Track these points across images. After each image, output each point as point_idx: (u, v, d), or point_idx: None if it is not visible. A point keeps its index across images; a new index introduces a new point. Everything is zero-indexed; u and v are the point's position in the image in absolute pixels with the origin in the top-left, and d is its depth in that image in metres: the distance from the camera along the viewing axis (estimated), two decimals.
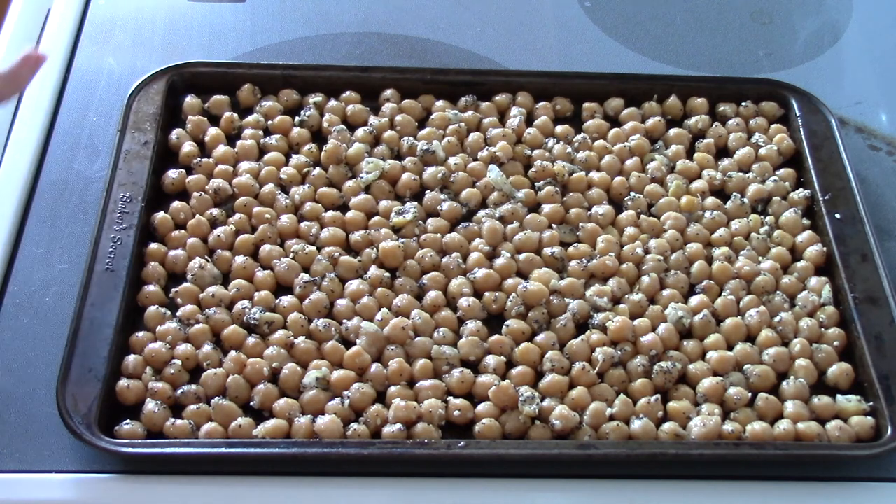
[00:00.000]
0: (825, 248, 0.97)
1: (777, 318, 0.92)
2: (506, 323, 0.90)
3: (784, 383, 0.88)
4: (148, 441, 0.82)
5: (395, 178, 1.01)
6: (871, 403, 0.87)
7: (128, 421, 0.83)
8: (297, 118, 1.05)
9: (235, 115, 1.05)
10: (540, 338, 0.90)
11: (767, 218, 1.00)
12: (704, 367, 0.89)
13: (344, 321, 0.90)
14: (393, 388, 0.86)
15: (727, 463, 0.84)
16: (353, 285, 0.92)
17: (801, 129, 1.06)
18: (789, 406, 0.86)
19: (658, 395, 0.86)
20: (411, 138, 1.04)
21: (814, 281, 0.95)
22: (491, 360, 0.88)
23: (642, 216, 0.99)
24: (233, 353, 0.87)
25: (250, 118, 1.05)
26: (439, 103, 1.07)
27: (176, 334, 0.88)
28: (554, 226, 0.98)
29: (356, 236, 0.96)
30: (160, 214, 0.96)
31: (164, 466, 0.81)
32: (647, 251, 0.96)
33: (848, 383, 0.89)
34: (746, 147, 1.05)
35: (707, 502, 0.83)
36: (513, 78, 1.09)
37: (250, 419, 0.84)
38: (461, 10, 1.21)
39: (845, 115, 1.11)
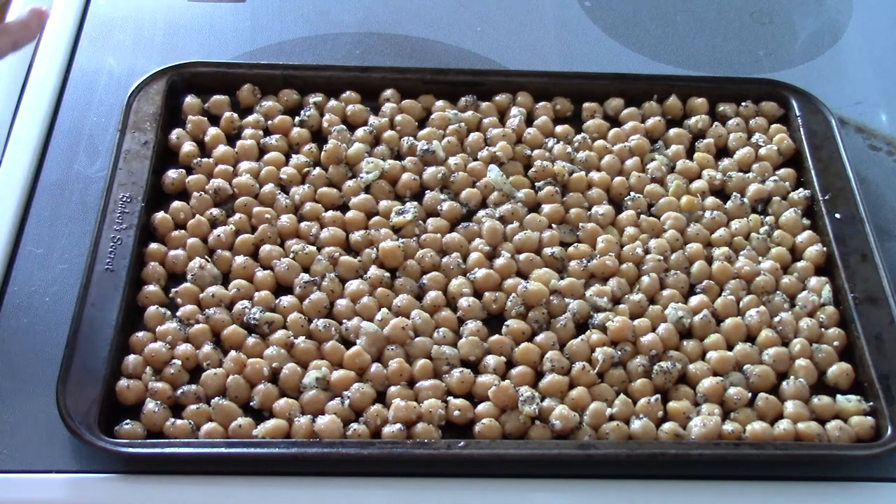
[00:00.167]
0: (825, 248, 0.97)
1: (777, 318, 0.92)
2: (506, 323, 0.90)
3: (784, 383, 0.88)
4: (148, 441, 0.82)
5: (395, 178, 1.01)
6: (871, 403, 0.87)
7: (128, 421, 0.83)
8: (297, 118, 1.05)
9: (235, 115, 1.05)
10: (540, 338, 0.90)
11: (767, 218, 1.00)
12: (704, 367, 0.89)
13: (344, 321, 0.90)
14: (393, 388, 0.86)
15: (727, 463, 0.84)
16: (353, 285, 0.92)
17: (801, 129, 1.06)
18: (789, 406, 0.86)
19: (658, 395, 0.86)
20: (411, 138, 1.04)
21: (814, 281, 0.95)
22: (491, 360, 0.88)
23: (642, 216, 0.99)
24: (233, 353, 0.87)
25: (250, 118, 1.05)
26: (439, 103, 1.07)
27: (176, 334, 0.88)
28: (554, 226, 0.98)
29: (356, 236, 0.96)
30: (160, 214, 0.96)
31: (164, 466, 0.81)
32: (647, 251, 0.96)
33: (848, 383, 0.89)
34: (746, 147, 1.05)
35: (707, 502, 0.83)
36: (513, 78, 1.09)
37: (250, 419, 0.84)
38: (461, 10, 1.21)
39: (845, 115, 1.11)
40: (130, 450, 0.80)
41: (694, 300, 0.93)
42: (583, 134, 1.06)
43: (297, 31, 1.17)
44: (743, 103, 1.09)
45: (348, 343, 0.89)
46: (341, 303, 0.91)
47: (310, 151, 1.02)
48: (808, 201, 1.01)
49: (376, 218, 0.98)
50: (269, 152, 1.02)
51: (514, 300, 0.91)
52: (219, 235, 0.95)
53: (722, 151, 1.07)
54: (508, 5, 1.22)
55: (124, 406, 0.84)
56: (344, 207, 0.99)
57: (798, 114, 1.07)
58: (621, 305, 0.92)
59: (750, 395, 0.87)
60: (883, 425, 0.85)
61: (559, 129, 1.06)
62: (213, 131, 1.03)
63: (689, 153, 1.06)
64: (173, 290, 0.91)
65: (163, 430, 0.83)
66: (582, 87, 1.09)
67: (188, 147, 1.01)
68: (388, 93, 1.07)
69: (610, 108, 1.08)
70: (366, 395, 0.85)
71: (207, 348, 0.87)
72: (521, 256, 0.95)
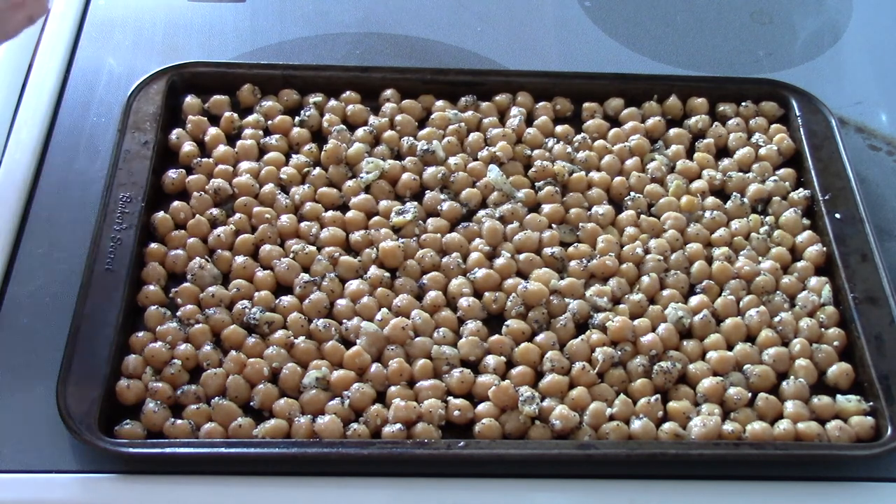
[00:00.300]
0: (825, 248, 0.97)
1: (777, 318, 0.92)
2: (506, 323, 0.90)
3: (784, 383, 0.88)
4: (148, 441, 0.82)
5: (395, 178, 1.01)
6: (871, 403, 0.87)
7: (128, 421, 0.83)
8: (297, 118, 1.05)
9: (235, 115, 1.05)
10: (540, 338, 0.90)
11: (767, 218, 1.00)
12: (704, 367, 0.89)
13: (344, 321, 0.90)
14: (393, 388, 0.86)
15: (727, 463, 0.84)
16: (353, 285, 0.92)
17: (801, 129, 1.06)
18: (789, 406, 0.86)
19: (658, 395, 0.86)
20: (411, 138, 1.04)
21: (814, 281, 0.95)
22: (491, 360, 0.88)
23: (642, 216, 0.99)
24: (233, 353, 0.87)
25: (250, 118, 1.05)
26: (439, 103, 1.07)
27: (176, 334, 0.88)
28: (554, 226, 0.98)
29: (356, 236, 0.96)
30: (160, 214, 0.96)
31: (164, 466, 0.81)
32: (647, 251, 0.96)
33: (848, 383, 0.89)
34: (746, 147, 1.05)
35: (707, 502, 0.83)
36: (513, 78, 1.09)
37: (250, 419, 0.84)
38: (461, 10, 1.21)
39: (845, 115, 1.11)
40: (130, 450, 0.80)
41: (694, 300, 0.93)
42: (583, 134, 1.06)
43: (297, 31, 1.17)
44: (743, 103, 1.09)
45: (348, 343, 0.89)
46: (341, 303, 0.91)
47: (310, 151, 1.02)
48: (808, 201, 1.01)
49: (376, 218, 0.98)
50: (269, 152, 1.02)
51: (514, 300, 0.91)
52: (219, 235, 0.95)
53: (722, 151, 1.07)
54: (508, 5, 1.22)
55: (124, 406, 0.84)
56: (344, 207, 0.99)
57: (798, 114, 1.07)
58: (621, 305, 0.92)
59: (750, 395, 0.87)
60: (883, 425, 0.85)
61: (559, 129, 1.06)
62: (213, 131, 1.03)
63: (689, 153, 1.06)
64: (173, 290, 0.91)
65: (163, 430, 0.83)
66: (582, 87, 1.09)
67: (188, 147, 1.01)
68: (388, 93, 1.07)
69: (610, 108, 1.08)
70: (366, 395, 0.85)
71: (207, 348, 0.87)
72: (521, 256, 0.95)
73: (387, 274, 0.93)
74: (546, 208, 0.99)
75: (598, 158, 1.04)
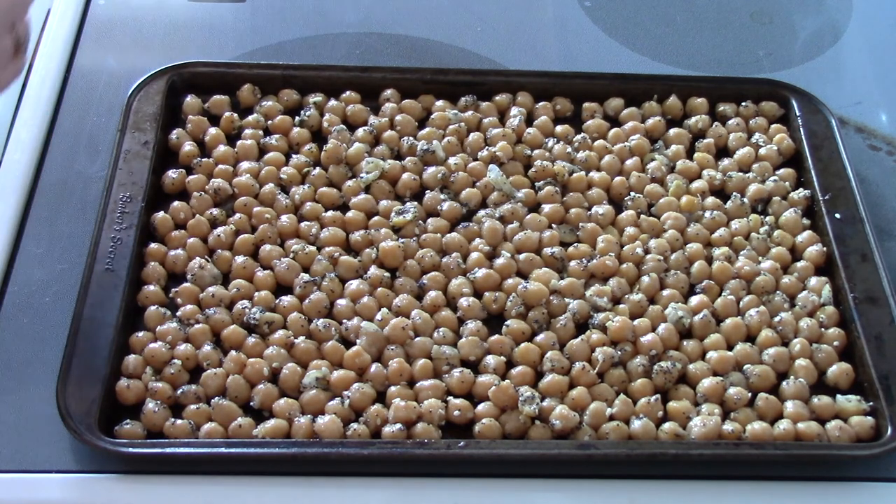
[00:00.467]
0: (825, 248, 0.97)
1: (777, 318, 0.92)
2: (506, 323, 0.90)
3: (784, 383, 0.88)
4: (148, 441, 0.82)
5: (395, 178, 1.01)
6: (871, 403, 0.87)
7: (128, 421, 0.83)
8: (297, 118, 1.05)
9: (235, 115, 1.05)
10: (540, 338, 0.90)
11: (767, 218, 1.00)
12: (704, 367, 0.89)
13: (344, 321, 0.90)
14: (393, 388, 0.86)
15: (727, 463, 0.84)
16: (353, 285, 0.92)
17: (801, 129, 1.06)
18: (789, 406, 0.86)
19: (658, 395, 0.86)
20: (411, 138, 1.04)
21: (814, 281, 0.95)
22: (491, 360, 0.88)
23: (642, 216, 0.99)
24: (233, 353, 0.87)
25: (250, 118, 1.05)
26: (439, 103, 1.07)
27: (176, 334, 0.88)
28: (554, 226, 0.98)
29: (356, 236, 0.96)
30: (160, 214, 0.96)
31: (164, 466, 0.81)
32: (647, 251, 0.96)
33: (848, 383, 0.89)
34: (746, 147, 1.05)
35: (707, 502, 0.83)
36: (513, 78, 1.09)
37: (250, 419, 0.84)
38: (461, 10, 1.21)
39: (845, 115, 1.11)
40: (130, 450, 0.80)
41: (694, 300, 0.93)
42: (583, 134, 1.06)
43: (297, 31, 1.17)
44: (743, 103, 1.09)
45: (348, 343, 0.89)
46: (341, 303, 0.91)
47: (310, 151, 1.02)
48: (808, 201, 1.01)
49: (376, 218, 0.98)
50: (269, 152, 1.02)
51: (514, 300, 0.91)
52: (219, 235, 0.95)
53: (722, 151, 1.07)
54: (508, 5, 1.22)
55: (124, 406, 0.84)
56: (344, 207, 0.99)
57: (798, 114, 1.07)
58: (621, 305, 0.92)
59: (750, 395, 0.87)
60: (883, 425, 0.85)
61: (559, 129, 1.06)
62: (213, 131, 1.03)
63: (689, 153, 1.06)
64: (173, 290, 0.91)
65: (163, 430, 0.83)
66: (582, 87, 1.09)
67: (188, 147, 1.01)
68: (388, 93, 1.07)
69: (610, 108, 1.08)
70: (366, 395, 0.85)
71: (207, 348, 0.87)
72: (521, 256, 0.95)
73: (387, 274, 0.93)
74: (546, 208, 0.99)
75: (598, 158, 1.04)
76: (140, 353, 0.87)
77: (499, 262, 0.94)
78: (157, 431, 0.83)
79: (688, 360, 0.89)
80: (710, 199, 1.01)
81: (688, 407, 0.86)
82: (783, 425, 0.85)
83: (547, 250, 0.96)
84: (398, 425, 0.83)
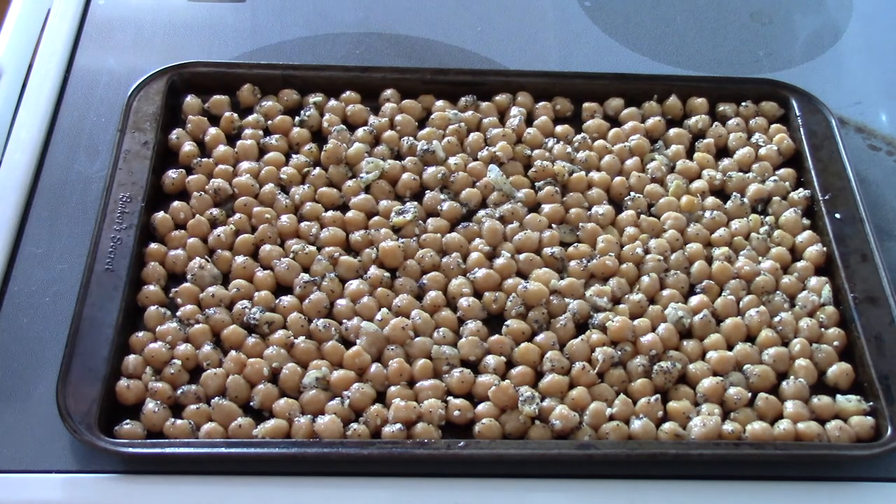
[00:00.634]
0: (825, 248, 0.97)
1: (777, 318, 0.92)
2: (506, 323, 0.90)
3: (784, 383, 0.88)
4: (148, 441, 0.82)
5: (395, 178, 1.01)
6: (871, 403, 0.87)
7: (128, 421, 0.83)
8: (297, 118, 1.05)
9: (235, 115, 1.05)
10: (540, 338, 0.90)
11: (767, 218, 1.00)
12: (704, 367, 0.89)
13: (344, 321, 0.90)
14: (393, 388, 0.86)
15: (727, 463, 0.84)
16: (353, 285, 0.92)
17: (801, 129, 1.06)
18: (789, 406, 0.86)
19: (658, 395, 0.86)
20: (411, 138, 1.04)
21: (814, 281, 0.95)
22: (491, 360, 0.88)
23: (642, 216, 0.99)
24: (233, 353, 0.87)
25: (250, 118, 1.05)
26: (439, 103, 1.07)
27: (176, 334, 0.88)
28: (554, 226, 0.98)
29: (356, 236, 0.96)
30: (160, 214, 0.96)
31: (164, 466, 0.81)
32: (647, 251, 0.96)
33: (848, 383, 0.89)
34: (746, 147, 1.05)
35: (707, 502, 0.83)
36: (513, 78, 1.09)
37: (250, 419, 0.84)
38: (461, 10, 1.21)
39: (845, 115, 1.11)
40: (130, 450, 0.80)
41: (694, 300, 0.93)
42: (583, 134, 1.06)
43: (297, 31, 1.17)
44: (743, 103, 1.09)
45: (348, 343, 0.89)
46: (341, 303, 0.91)
47: (310, 151, 1.02)
48: (808, 201, 1.01)
49: (376, 218, 0.98)
50: (269, 152, 1.02)
51: (514, 300, 0.91)
52: (219, 235, 0.95)
53: (722, 151, 1.07)
54: (508, 5, 1.22)
55: (124, 406, 0.84)
56: (344, 207, 0.99)
57: (798, 114, 1.07)
58: (621, 305, 0.92)
59: (750, 395, 0.87)
60: (883, 425, 0.85)
61: (559, 129, 1.06)
62: (213, 131, 1.03)
63: (689, 153, 1.06)
64: (173, 290, 0.91)
65: (163, 430, 0.83)
66: (582, 87, 1.09)
67: (188, 147, 1.01)
68: (388, 93, 1.07)
69: (610, 108, 1.08)
70: (366, 395, 0.85)
71: (207, 348, 0.87)
72: (521, 256, 0.95)
73: (387, 274, 0.93)
74: (546, 208, 0.99)
75: (598, 158, 1.04)
76: (140, 353, 0.87)
77: (499, 262, 0.94)
78: (157, 431, 0.83)
79: (688, 360, 0.89)
80: (710, 199, 1.01)
81: (688, 407, 0.86)
82: (783, 425, 0.85)
83: (547, 250, 0.96)
84: (398, 425, 0.83)
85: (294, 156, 1.02)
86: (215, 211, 0.97)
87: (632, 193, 1.01)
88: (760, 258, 0.97)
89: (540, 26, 1.20)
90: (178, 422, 0.83)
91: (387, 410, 0.84)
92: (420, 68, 1.09)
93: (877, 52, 1.20)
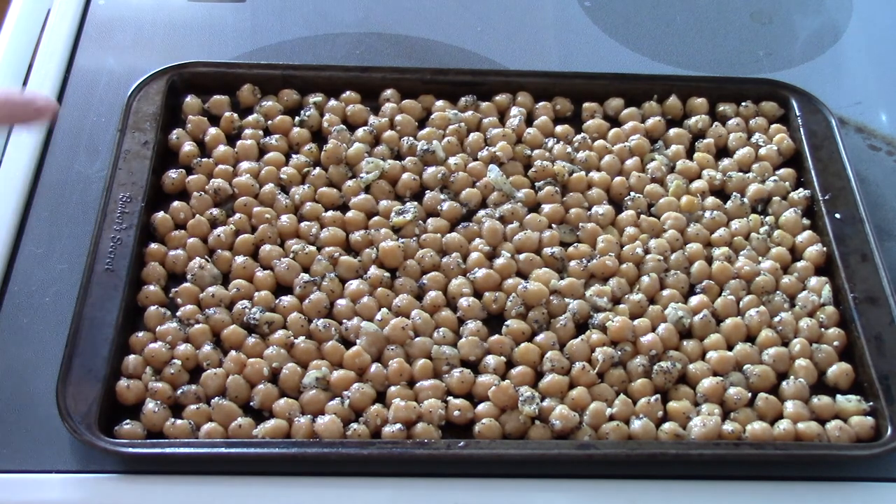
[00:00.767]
0: (825, 248, 0.97)
1: (777, 318, 0.92)
2: (506, 323, 0.90)
3: (784, 383, 0.88)
4: (148, 441, 0.82)
5: (395, 178, 1.01)
6: (871, 403, 0.87)
7: (128, 421, 0.83)
8: (297, 118, 1.05)
9: (235, 115, 1.05)
10: (540, 338, 0.90)
11: (767, 218, 1.00)
12: (704, 367, 0.89)
13: (344, 321, 0.90)
14: (393, 388, 0.86)
15: (727, 463, 0.84)
16: (353, 285, 0.92)
17: (801, 129, 1.06)
18: (789, 406, 0.86)
19: (658, 395, 0.86)
20: (411, 138, 1.04)
21: (814, 281, 0.95)
22: (491, 360, 0.88)
23: (642, 216, 0.99)
24: (233, 353, 0.87)
25: (250, 118, 1.05)
26: (439, 103, 1.07)
27: (176, 334, 0.88)
28: (554, 226, 0.98)
29: (356, 236, 0.96)
30: (160, 214, 0.96)
31: (164, 466, 0.81)
32: (647, 251, 0.96)
33: (848, 383, 0.89)
34: (746, 147, 1.05)
35: (707, 502, 0.83)
36: (513, 78, 1.09)
37: (250, 419, 0.84)
38: (461, 10, 1.21)
39: (845, 115, 1.11)
40: (130, 450, 0.80)
41: (694, 300, 0.93)
42: (583, 134, 1.06)
43: (297, 31, 1.17)
44: (743, 103, 1.09)
45: (348, 343, 0.89)
46: (341, 303, 0.91)
47: (310, 151, 1.02)
48: (808, 201, 1.01)
49: (376, 218, 0.98)
50: (269, 152, 1.02)
51: (514, 300, 0.91)
52: (219, 235, 0.95)
53: (722, 151, 1.07)
54: (508, 5, 1.22)
55: (124, 406, 0.84)
56: (344, 207, 0.99)
57: (798, 114, 1.07)
58: (621, 305, 0.92)
59: (750, 395, 0.87)
60: (883, 425, 0.85)
61: (559, 129, 1.06)
62: (213, 131, 1.03)
63: (689, 153, 1.06)
64: (173, 290, 0.91)
65: (163, 430, 0.83)
66: (582, 87, 1.09)
67: (188, 147, 1.01)
68: (388, 93, 1.07)
69: (610, 108, 1.08)
70: (366, 395, 0.85)
71: (207, 348, 0.87)
72: (521, 256, 0.95)
73: (387, 274, 0.93)
74: (546, 208, 0.99)
75: (598, 158, 1.04)
76: (140, 353, 0.87)
77: (499, 262, 0.94)
78: (157, 431, 0.83)
79: (688, 360, 0.89)
80: (710, 199, 1.01)
81: (688, 407, 0.86)
82: (783, 425, 0.85)
83: (547, 250, 0.96)
84: (398, 425, 0.83)
85: (294, 156, 1.02)
86: (215, 211, 0.97)
87: (632, 193, 1.01)
88: (760, 258, 0.97)
89: (540, 26, 1.20)
90: (178, 422, 0.83)
91: (387, 410, 0.84)
92: (420, 68, 1.09)
93: (877, 52, 1.20)
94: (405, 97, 1.07)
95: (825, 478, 0.84)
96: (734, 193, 1.01)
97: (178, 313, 0.89)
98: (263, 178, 1.00)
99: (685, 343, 0.90)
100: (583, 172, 1.02)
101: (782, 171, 1.04)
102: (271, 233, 0.95)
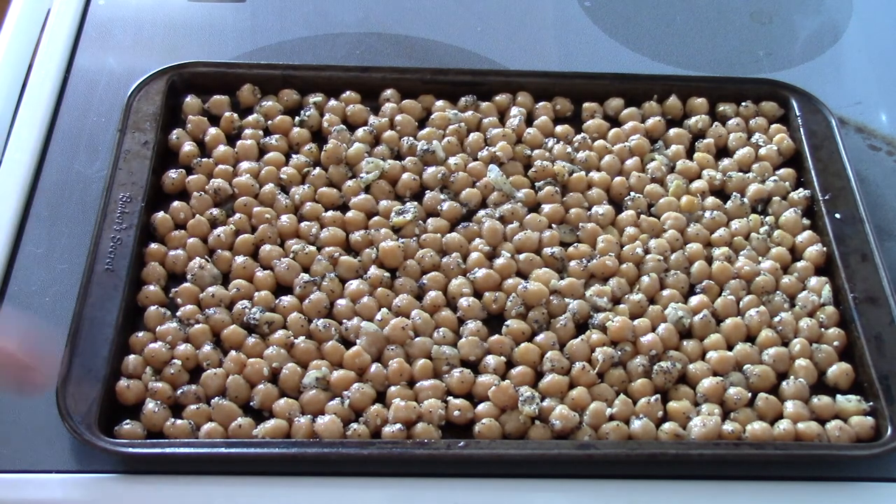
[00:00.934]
0: (825, 248, 0.97)
1: (777, 318, 0.92)
2: (506, 323, 0.90)
3: (784, 383, 0.88)
4: (148, 441, 0.82)
5: (395, 178, 1.01)
6: (871, 403, 0.87)
7: (128, 421, 0.83)
8: (297, 118, 1.05)
9: (235, 115, 1.05)
10: (540, 338, 0.90)
11: (767, 218, 1.00)
12: (704, 367, 0.89)
13: (344, 321, 0.90)
14: (393, 388, 0.86)
15: (727, 463, 0.84)
16: (353, 285, 0.92)
17: (801, 129, 1.06)
18: (789, 406, 0.86)
19: (658, 395, 0.86)
20: (411, 138, 1.04)
21: (814, 281, 0.95)
22: (491, 360, 0.88)
23: (642, 216, 0.99)
24: (233, 353, 0.87)
25: (250, 118, 1.05)
26: (439, 103, 1.07)
27: (176, 334, 0.88)
28: (554, 226, 0.98)
29: (356, 236, 0.96)
30: (160, 214, 0.96)
31: (164, 466, 0.81)
32: (647, 251, 0.96)
33: (848, 383, 0.89)
34: (746, 147, 1.05)
35: (707, 502, 0.83)
36: (513, 78, 1.09)
37: (250, 419, 0.84)
38: (461, 10, 1.21)
39: (845, 115, 1.11)
40: (130, 450, 0.80)
41: (694, 300, 0.93)
42: (583, 134, 1.06)
43: (297, 31, 1.17)
44: (743, 103, 1.09)
45: (348, 343, 0.89)
46: (341, 303, 0.91)
47: (310, 151, 1.02)
48: (808, 201, 1.01)
49: (376, 218, 0.98)
50: (269, 152, 1.02)
51: (514, 300, 0.91)
52: (219, 235, 0.95)
53: (722, 151, 1.07)
54: (508, 5, 1.22)
55: (124, 406, 0.84)
56: (344, 207, 0.99)
57: (798, 114, 1.07)
58: (621, 305, 0.92)
59: (750, 395, 0.87)
60: (883, 425, 0.85)
61: (559, 129, 1.06)
62: (213, 131, 1.03)
63: (689, 153, 1.06)
64: (173, 290, 0.91)
65: (163, 430, 0.83)
66: (582, 87, 1.09)
67: (188, 147, 1.01)
68: (388, 93, 1.07)
69: (610, 108, 1.08)
70: (366, 395, 0.85)
71: (207, 348, 0.87)
72: (521, 256, 0.95)
73: (387, 274, 0.93)
74: (546, 208, 0.99)
75: (598, 158, 1.04)
76: (140, 353, 0.87)
77: (499, 262, 0.94)
78: (157, 431, 0.83)
79: (688, 360, 0.89)
80: (710, 199, 1.01)
81: (688, 407, 0.86)
82: (783, 425, 0.85)
83: (547, 250, 0.96)
84: (398, 425, 0.83)
85: (294, 156, 1.02)
86: (215, 211, 0.97)
87: (632, 193, 1.01)
88: (760, 258, 0.97)
89: (540, 26, 1.20)
90: (178, 422, 0.83)
91: (387, 410, 0.84)
92: (420, 68, 1.09)
93: (877, 52, 1.20)
94: (405, 97, 1.07)
95: (825, 478, 0.84)
96: (734, 193, 1.01)
97: (178, 313, 0.89)
98: (263, 178, 1.00)
99: (685, 343, 0.90)
100: (583, 172, 1.02)
101: (782, 171, 1.04)
102: (271, 233, 0.95)
